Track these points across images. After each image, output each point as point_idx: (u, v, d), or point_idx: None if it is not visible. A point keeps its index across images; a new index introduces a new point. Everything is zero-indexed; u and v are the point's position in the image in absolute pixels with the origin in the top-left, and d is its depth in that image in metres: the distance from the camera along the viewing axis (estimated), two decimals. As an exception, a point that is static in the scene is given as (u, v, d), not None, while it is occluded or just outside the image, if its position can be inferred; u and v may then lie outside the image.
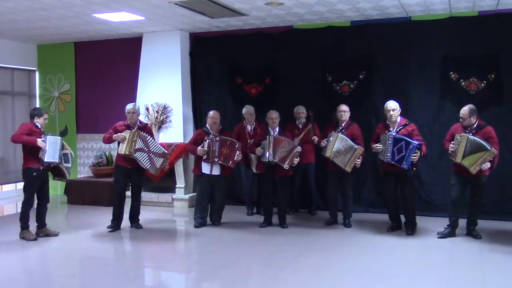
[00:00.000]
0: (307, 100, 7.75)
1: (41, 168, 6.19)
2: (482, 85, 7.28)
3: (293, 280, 4.81)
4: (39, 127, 6.24)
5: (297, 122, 7.47)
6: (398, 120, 6.29)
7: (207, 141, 6.72)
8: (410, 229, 6.39)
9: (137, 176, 6.94)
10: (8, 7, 6.88)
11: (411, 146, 5.98)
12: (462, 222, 6.30)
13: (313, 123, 7.46)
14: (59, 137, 6.26)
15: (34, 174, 6.19)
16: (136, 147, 6.55)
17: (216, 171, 6.89)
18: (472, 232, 6.20)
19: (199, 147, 6.77)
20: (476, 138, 5.80)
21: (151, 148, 6.68)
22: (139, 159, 6.60)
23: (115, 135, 6.60)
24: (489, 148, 5.71)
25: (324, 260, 5.44)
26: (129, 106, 6.81)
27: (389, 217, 6.65)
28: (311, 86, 8.11)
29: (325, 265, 5.26)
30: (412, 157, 5.98)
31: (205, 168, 6.89)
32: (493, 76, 7.23)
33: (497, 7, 7.06)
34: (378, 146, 6.30)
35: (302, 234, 6.56)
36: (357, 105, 7.53)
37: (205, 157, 6.76)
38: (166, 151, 6.92)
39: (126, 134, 6.56)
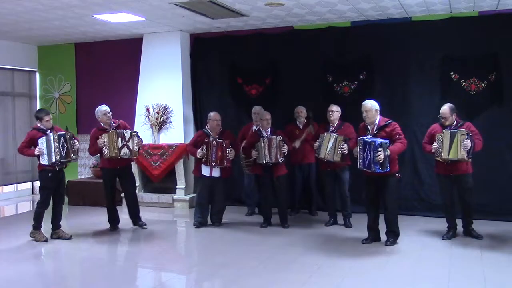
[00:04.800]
0: (307, 100, 7.75)
1: (57, 168, 6.18)
2: (483, 85, 7.27)
3: (293, 281, 4.80)
4: (44, 128, 6.23)
5: (297, 122, 7.47)
6: (377, 121, 5.81)
7: (205, 144, 6.74)
8: (391, 240, 5.92)
9: (126, 175, 6.93)
10: (8, 8, 6.88)
11: (371, 147, 5.50)
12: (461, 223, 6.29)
13: (312, 123, 7.47)
14: (50, 134, 6.10)
15: (50, 175, 6.20)
16: (119, 146, 6.54)
17: (216, 173, 6.90)
18: (472, 233, 6.17)
19: (198, 150, 6.78)
20: (453, 130, 5.83)
21: (127, 139, 6.60)
22: (124, 154, 6.57)
23: (98, 144, 6.52)
24: (457, 130, 5.77)
25: (324, 260, 5.43)
26: (102, 108, 6.70)
27: (367, 228, 6.10)
28: (311, 86, 8.11)
29: (325, 266, 5.25)
30: (376, 157, 5.46)
31: (205, 170, 6.90)
32: (493, 76, 7.22)
33: (498, 7, 7.06)
34: (356, 151, 5.87)
35: (302, 235, 6.55)
36: (358, 105, 7.47)
37: (204, 159, 6.78)
38: (131, 130, 6.79)
39: (105, 138, 6.50)
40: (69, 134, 6.29)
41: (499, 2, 6.81)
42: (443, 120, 5.99)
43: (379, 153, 5.45)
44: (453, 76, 7.43)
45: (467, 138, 5.72)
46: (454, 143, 5.76)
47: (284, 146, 6.62)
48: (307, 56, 8.12)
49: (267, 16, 7.51)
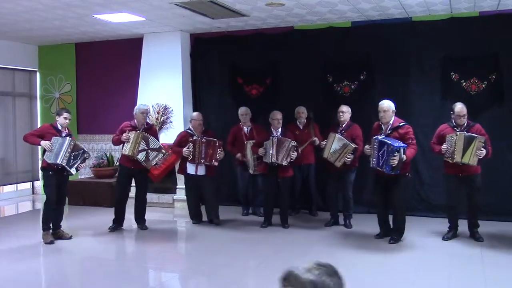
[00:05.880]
0: (308, 100, 7.75)
1: (59, 167, 6.16)
2: (483, 85, 7.27)
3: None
4: (59, 127, 6.27)
5: (297, 123, 7.48)
6: (391, 122, 5.95)
7: (191, 142, 6.82)
8: (395, 238, 6.03)
9: (141, 177, 6.96)
10: (8, 8, 6.88)
11: (389, 149, 5.61)
12: (464, 224, 6.27)
13: (313, 124, 7.48)
14: (67, 139, 6.17)
15: (50, 173, 6.20)
16: (140, 149, 6.61)
17: (201, 171, 7.00)
18: (475, 235, 6.15)
19: (184, 149, 6.88)
20: (469, 133, 5.81)
21: (150, 146, 6.71)
22: (140, 158, 6.65)
23: (122, 136, 6.63)
24: (476, 136, 5.73)
25: (324, 260, 5.41)
26: (143, 107, 6.86)
27: (378, 222, 6.32)
28: (312, 86, 8.10)
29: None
30: (391, 160, 5.56)
31: (190, 169, 7.01)
32: (494, 76, 7.22)
33: (498, 7, 7.05)
34: (368, 149, 5.99)
35: (302, 235, 6.56)
36: (358, 105, 7.51)
37: (190, 158, 6.85)
38: (161, 146, 6.92)
39: (131, 135, 6.59)
40: (87, 155, 6.38)
41: (500, 3, 6.80)
42: (462, 118, 5.92)
43: (395, 157, 5.54)
44: (453, 76, 7.42)
45: (483, 147, 5.71)
46: (470, 148, 5.73)
47: (294, 153, 6.61)
48: (308, 56, 8.11)
49: (267, 16, 7.51)
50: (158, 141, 6.94)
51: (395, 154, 5.54)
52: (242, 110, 7.59)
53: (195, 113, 7.24)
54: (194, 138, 6.90)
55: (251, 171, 7.35)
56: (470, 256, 5.54)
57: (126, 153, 6.60)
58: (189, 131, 7.12)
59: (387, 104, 5.96)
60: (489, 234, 6.30)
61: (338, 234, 6.57)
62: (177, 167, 8.41)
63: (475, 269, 5.07)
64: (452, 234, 6.19)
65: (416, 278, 4.86)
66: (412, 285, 4.68)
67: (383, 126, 5.99)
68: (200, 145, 6.82)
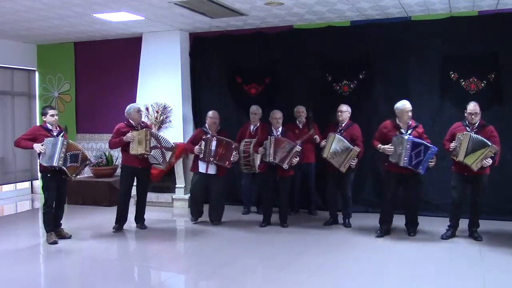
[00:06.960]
0: (307, 100, 7.76)
1: (55, 169, 6.09)
2: (482, 85, 7.28)
3: (293, 280, 4.81)
4: (49, 127, 6.18)
5: (297, 122, 7.47)
6: (409, 121, 6.15)
7: (204, 140, 6.80)
8: (413, 229, 6.33)
9: (144, 175, 6.93)
10: (7, 7, 6.87)
11: (429, 152, 5.84)
12: (464, 223, 6.28)
13: (313, 124, 7.47)
14: (60, 139, 6.03)
15: (49, 175, 6.14)
16: (151, 145, 6.58)
17: (211, 170, 6.96)
18: (473, 234, 6.17)
19: (196, 146, 6.86)
20: (478, 136, 5.80)
21: (163, 144, 6.69)
22: (154, 155, 6.62)
23: (125, 137, 6.52)
24: (490, 144, 5.71)
25: (323, 259, 5.43)
26: (135, 105, 6.81)
27: (380, 220, 6.42)
28: (311, 86, 8.11)
29: (324, 265, 5.25)
30: (430, 162, 5.89)
31: (201, 167, 6.99)
32: (493, 76, 7.22)
33: (497, 7, 7.06)
34: (389, 148, 6.05)
35: (302, 234, 6.56)
36: (357, 105, 7.51)
37: (201, 156, 6.83)
38: (174, 144, 6.90)
39: (136, 134, 6.54)
40: (88, 161, 6.39)
41: (499, 2, 6.81)
42: (473, 116, 5.93)
43: (433, 159, 5.93)
44: (452, 75, 7.43)
45: (492, 157, 5.72)
46: (478, 153, 5.74)
47: (296, 158, 6.59)
48: (307, 56, 8.12)
49: (266, 15, 7.51)
50: (165, 137, 6.89)
51: (432, 157, 5.90)
52: (252, 108, 7.53)
53: (211, 112, 7.10)
54: (208, 136, 6.88)
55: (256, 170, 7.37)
56: (469, 255, 5.55)
57: (137, 152, 6.47)
58: (204, 129, 7.08)
59: (410, 104, 6.12)
60: (488, 233, 6.31)
61: (337, 234, 6.57)
62: (176, 166, 8.46)
63: (474, 268, 5.08)
64: (451, 232, 6.20)
65: (416, 276, 4.86)
66: (411, 283, 4.69)
67: (402, 126, 6.10)
68: (211, 144, 6.80)
